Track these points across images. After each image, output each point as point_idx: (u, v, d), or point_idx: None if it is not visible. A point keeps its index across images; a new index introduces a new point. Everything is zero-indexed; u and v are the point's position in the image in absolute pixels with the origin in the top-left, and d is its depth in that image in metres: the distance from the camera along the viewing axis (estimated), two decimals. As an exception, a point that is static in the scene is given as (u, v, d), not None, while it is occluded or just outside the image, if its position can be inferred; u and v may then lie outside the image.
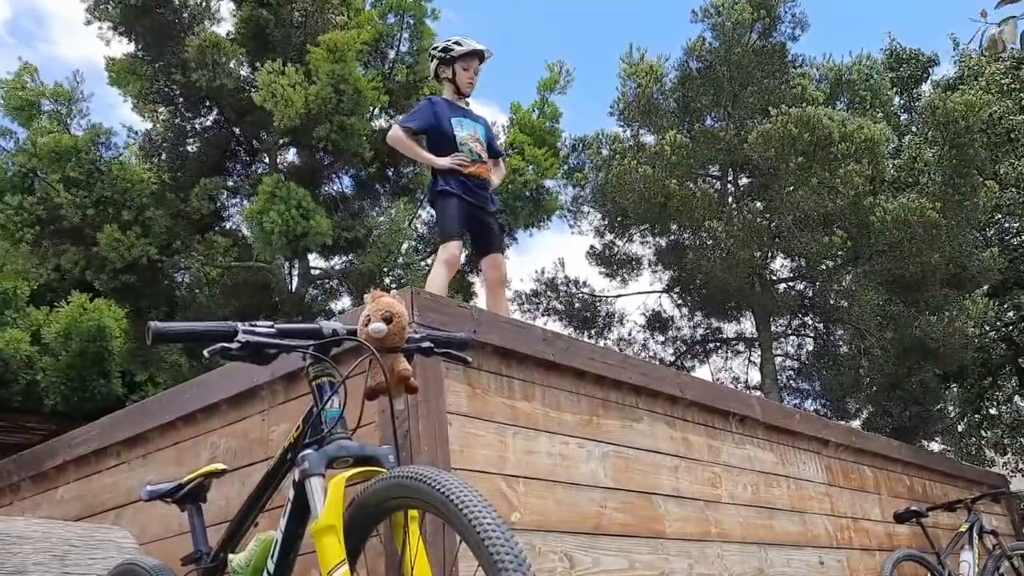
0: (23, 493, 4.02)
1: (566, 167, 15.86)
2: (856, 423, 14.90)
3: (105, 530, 3.31)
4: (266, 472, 2.02)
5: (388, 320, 1.77)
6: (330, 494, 1.60)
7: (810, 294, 15.77)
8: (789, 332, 16.91)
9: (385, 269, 12.95)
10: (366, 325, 1.77)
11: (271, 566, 1.87)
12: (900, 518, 5.18)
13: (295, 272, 13.74)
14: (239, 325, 1.68)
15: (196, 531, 2.27)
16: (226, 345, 1.64)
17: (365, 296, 1.91)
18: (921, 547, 5.15)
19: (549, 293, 17.01)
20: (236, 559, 2.14)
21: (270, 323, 1.73)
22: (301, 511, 1.72)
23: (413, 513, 1.61)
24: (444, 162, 4.24)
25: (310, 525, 1.62)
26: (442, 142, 4.32)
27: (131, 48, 12.76)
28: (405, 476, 1.52)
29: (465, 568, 2.19)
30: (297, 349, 1.77)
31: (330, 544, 1.54)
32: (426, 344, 1.86)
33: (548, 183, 14.11)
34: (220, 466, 2.44)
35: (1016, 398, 17.35)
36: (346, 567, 1.53)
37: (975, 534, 5.36)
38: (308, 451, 1.72)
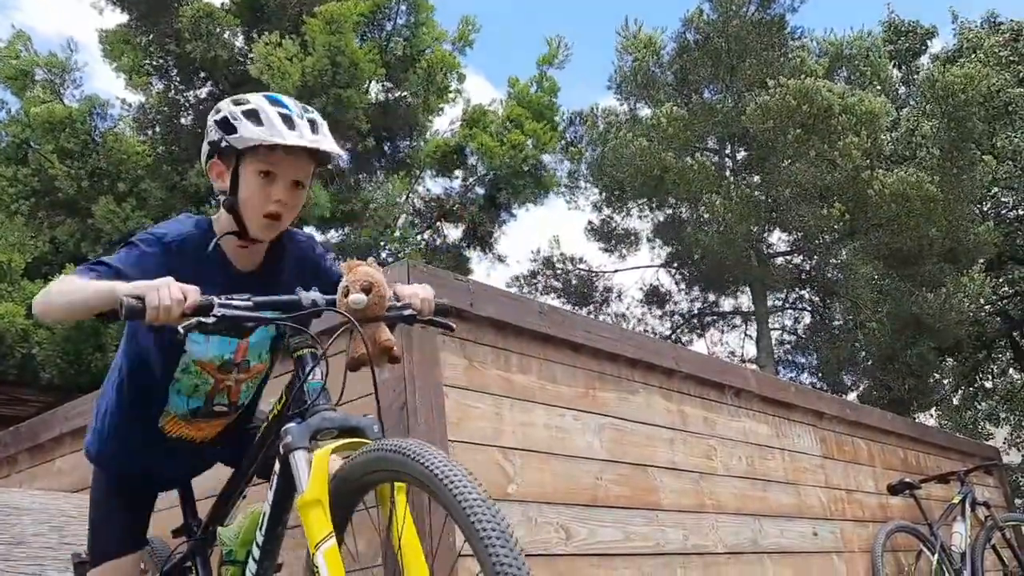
0: (20, 465, 4.02)
1: (563, 142, 15.77)
2: (852, 396, 14.95)
3: (99, 502, 3.31)
4: (252, 445, 2.01)
5: (367, 290, 1.74)
6: (314, 467, 1.58)
7: (807, 268, 15.75)
8: (786, 306, 16.93)
9: (382, 243, 12.91)
10: (345, 296, 1.75)
11: (260, 538, 1.86)
12: (893, 490, 5.20)
13: (292, 245, 13.68)
14: (215, 299, 1.64)
15: (186, 504, 2.27)
16: (202, 319, 1.61)
17: (341, 266, 1.88)
18: (914, 519, 5.18)
19: (546, 272, 16.97)
20: (225, 532, 2.14)
21: (247, 296, 1.70)
22: (287, 484, 1.70)
23: (400, 485, 1.59)
24: None
25: (296, 499, 1.60)
26: None
27: (124, 18, 12.63)
28: (388, 449, 1.50)
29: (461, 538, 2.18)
30: (274, 321, 1.75)
31: (317, 518, 1.52)
32: (408, 312, 1.83)
33: (546, 158, 14.05)
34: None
35: (1010, 371, 17.42)
36: (333, 540, 1.51)
37: (967, 506, 5.39)
38: (291, 424, 1.69)
